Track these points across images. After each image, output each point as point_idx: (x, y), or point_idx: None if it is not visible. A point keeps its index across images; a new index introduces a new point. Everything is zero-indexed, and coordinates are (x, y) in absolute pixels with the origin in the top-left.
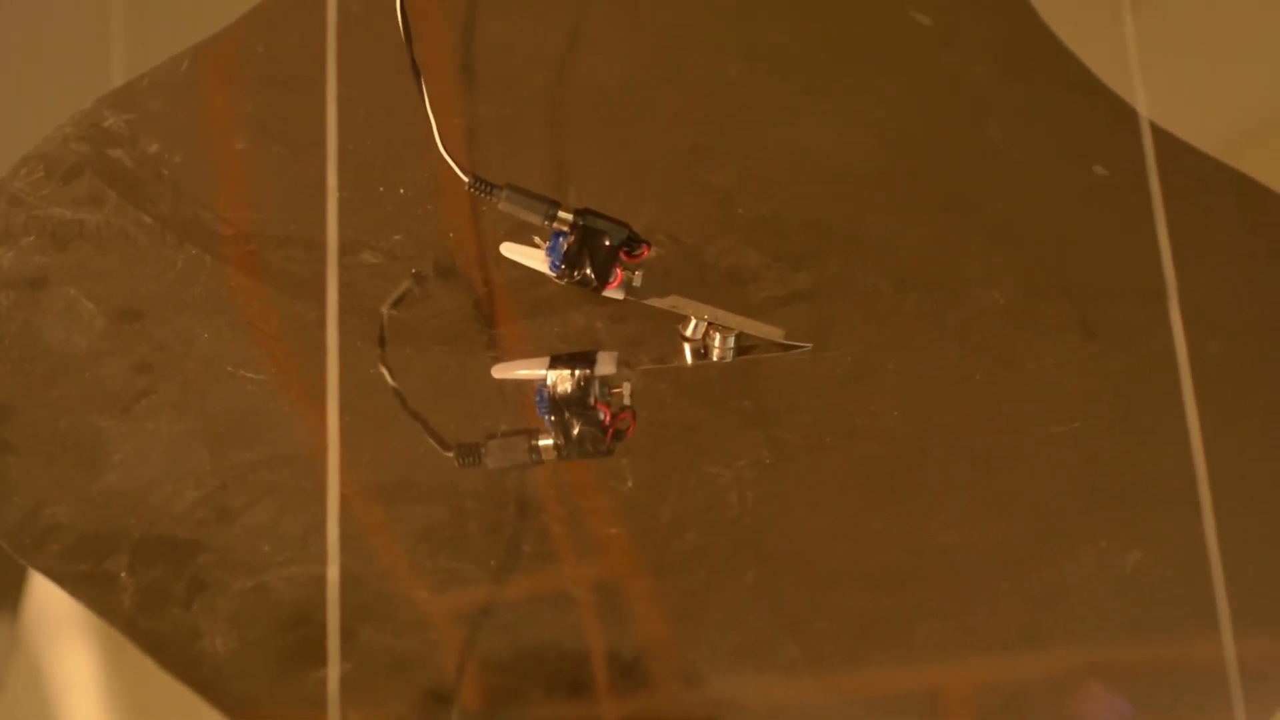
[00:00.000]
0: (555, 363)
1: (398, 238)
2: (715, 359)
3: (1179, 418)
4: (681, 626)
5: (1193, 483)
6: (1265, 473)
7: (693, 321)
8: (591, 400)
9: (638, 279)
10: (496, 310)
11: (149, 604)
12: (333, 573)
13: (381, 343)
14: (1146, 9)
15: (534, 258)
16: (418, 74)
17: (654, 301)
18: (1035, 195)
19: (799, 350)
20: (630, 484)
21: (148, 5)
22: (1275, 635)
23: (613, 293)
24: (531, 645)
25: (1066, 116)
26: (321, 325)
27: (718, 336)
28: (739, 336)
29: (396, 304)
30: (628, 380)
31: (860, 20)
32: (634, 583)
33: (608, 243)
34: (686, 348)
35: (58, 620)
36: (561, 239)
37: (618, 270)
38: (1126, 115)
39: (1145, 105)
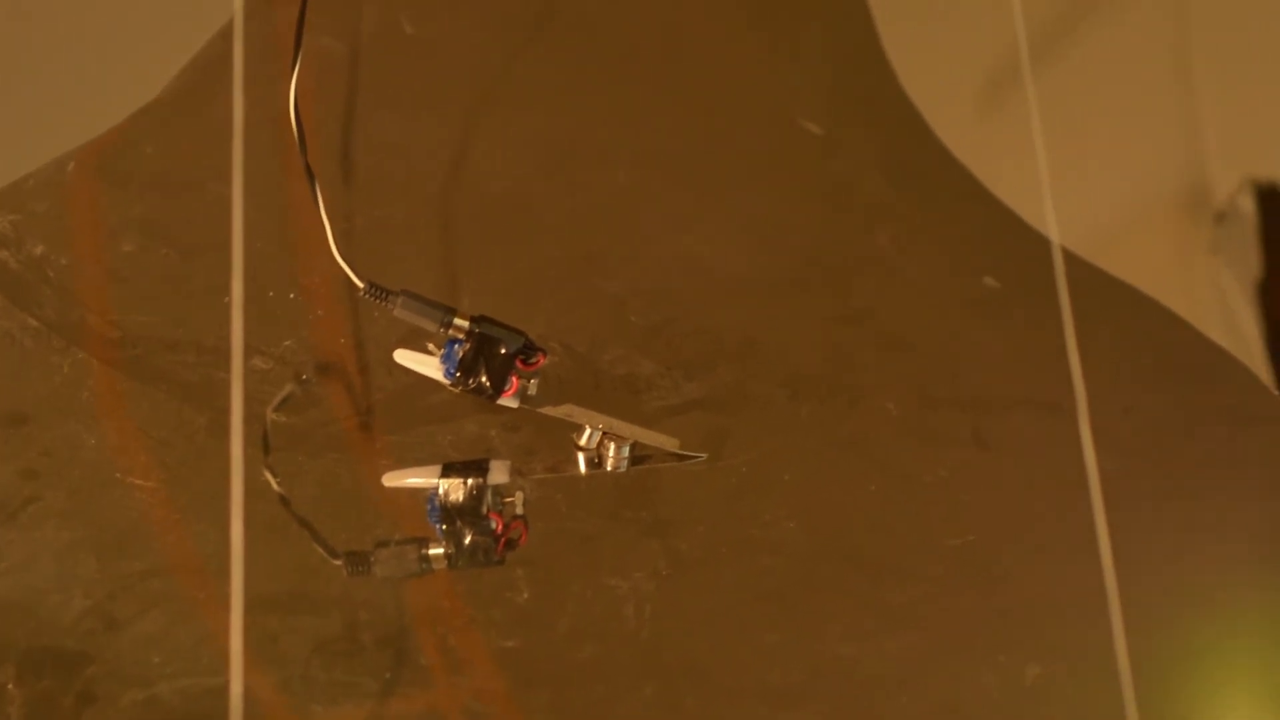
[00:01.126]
0: (447, 471)
1: (288, 343)
2: (610, 468)
3: (1076, 531)
4: None
5: (1092, 596)
6: (1165, 587)
7: (587, 430)
8: (484, 509)
9: (533, 387)
10: (389, 418)
11: (37, 716)
12: (236, 688)
13: (266, 448)
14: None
15: (428, 365)
16: (312, 178)
17: (549, 410)
18: (927, 306)
19: (694, 460)
20: (526, 595)
21: (30, 104)
22: None
23: (508, 401)
24: None
25: (957, 228)
26: (211, 431)
27: (612, 446)
28: (634, 446)
29: (279, 407)
30: (521, 489)
31: (750, 128)
32: (529, 695)
33: (504, 350)
34: (581, 457)
35: None
36: (457, 346)
37: (513, 378)
38: (1015, 227)
39: (1057, 232)
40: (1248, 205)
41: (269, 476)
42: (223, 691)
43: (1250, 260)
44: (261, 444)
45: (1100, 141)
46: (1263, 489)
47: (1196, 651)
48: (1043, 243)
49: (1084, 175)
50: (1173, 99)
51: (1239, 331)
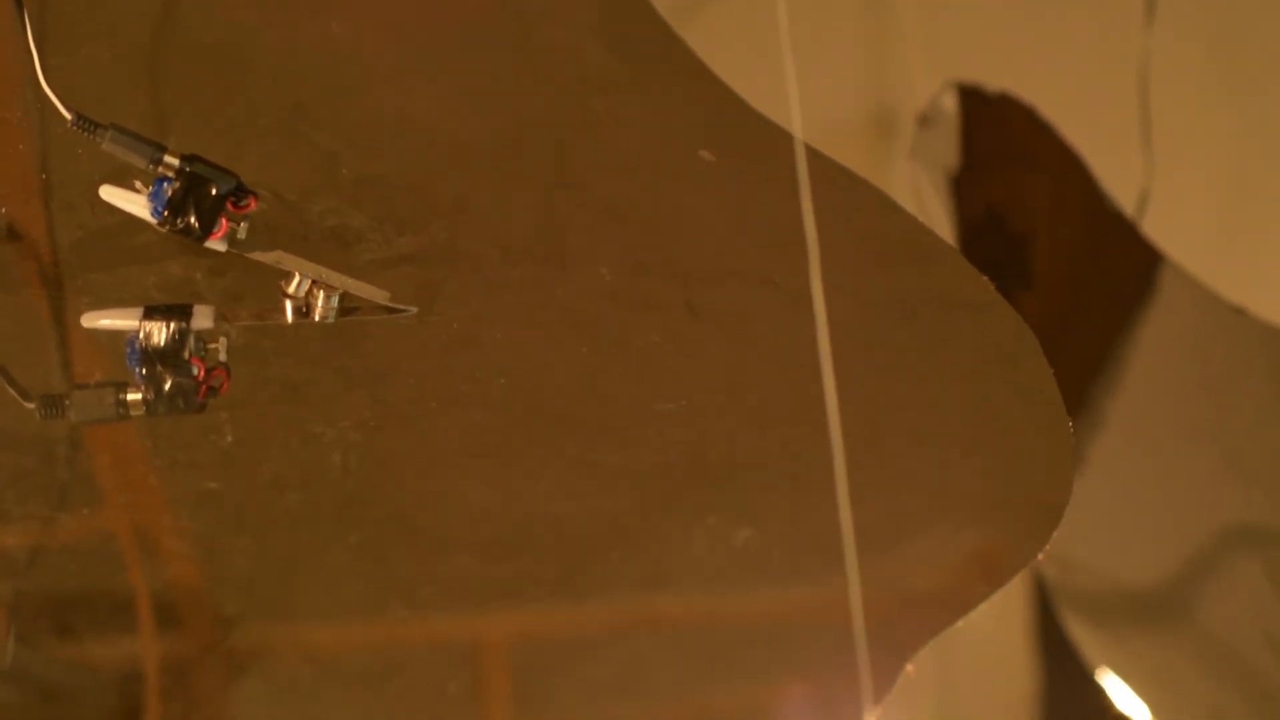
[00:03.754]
0: (149, 314)
1: None
2: (318, 318)
3: (785, 401)
4: (279, 580)
5: (796, 463)
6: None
7: (296, 278)
8: (186, 355)
9: (242, 231)
10: (91, 256)
11: None
12: None
13: None
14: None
15: (135, 203)
16: (19, 3)
17: (258, 255)
18: (643, 176)
19: (404, 313)
20: (230, 439)
21: None
22: (901, 607)
23: (215, 244)
24: (103, 585)
25: (672, 100)
26: None
27: (321, 295)
28: (343, 297)
29: None
30: (225, 335)
31: None
32: (231, 540)
33: (214, 191)
34: (288, 305)
35: None
36: (166, 185)
37: (222, 221)
38: (731, 102)
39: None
40: (950, 106)
41: None
42: None
43: (949, 161)
44: None
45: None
46: (974, 369)
47: (907, 523)
48: (761, 121)
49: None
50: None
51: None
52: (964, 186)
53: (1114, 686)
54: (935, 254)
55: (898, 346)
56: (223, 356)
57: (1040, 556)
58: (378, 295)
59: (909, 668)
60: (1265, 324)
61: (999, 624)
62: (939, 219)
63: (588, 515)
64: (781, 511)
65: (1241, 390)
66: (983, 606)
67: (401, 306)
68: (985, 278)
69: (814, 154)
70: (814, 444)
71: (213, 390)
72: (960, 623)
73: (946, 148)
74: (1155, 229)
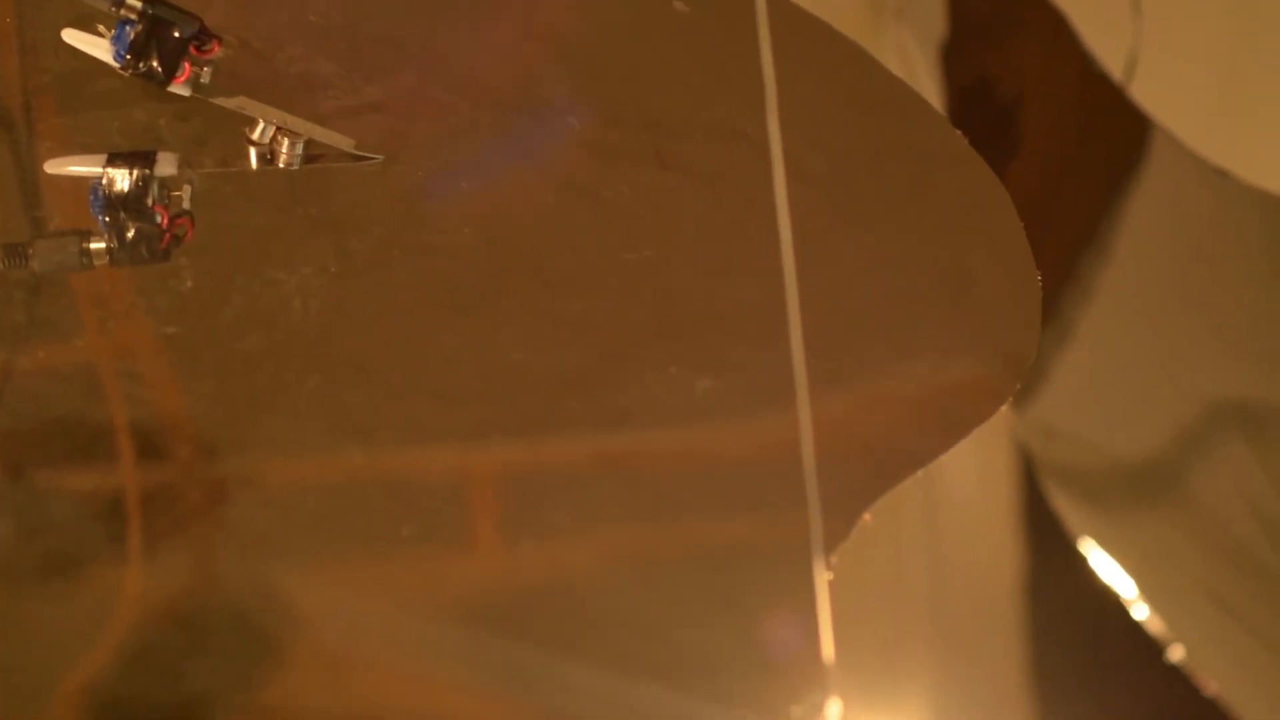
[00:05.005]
0: (113, 160)
1: None
2: (282, 165)
3: (754, 254)
4: (244, 423)
5: (767, 317)
6: (844, 313)
7: (260, 125)
8: (150, 202)
9: (206, 75)
10: (55, 101)
11: None
12: None
13: None
14: None
15: (98, 47)
16: None
17: (221, 101)
18: (615, 26)
19: (370, 161)
20: (190, 284)
21: None
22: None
23: (179, 88)
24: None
25: None
26: None
27: (285, 142)
28: (308, 144)
29: None
30: (189, 183)
31: None
32: (192, 383)
33: (177, 34)
34: (253, 151)
35: None
36: (129, 28)
37: (186, 64)
38: None
39: None
40: None
41: None
42: None
43: (937, 26)
44: None
45: None
46: (946, 227)
47: (872, 373)
48: None
49: None
50: None
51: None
52: (952, 52)
53: (1101, 561)
54: (910, 109)
55: (869, 200)
56: (187, 204)
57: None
58: (343, 142)
59: (866, 516)
60: (1253, 188)
61: (984, 497)
62: (927, 84)
63: (550, 363)
64: (742, 361)
65: (1229, 258)
66: (968, 479)
67: (367, 154)
68: (959, 132)
69: (792, 9)
70: (777, 295)
71: (176, 239)
72: (946, 497)
73: (934, 12)
74: (1144, 93)
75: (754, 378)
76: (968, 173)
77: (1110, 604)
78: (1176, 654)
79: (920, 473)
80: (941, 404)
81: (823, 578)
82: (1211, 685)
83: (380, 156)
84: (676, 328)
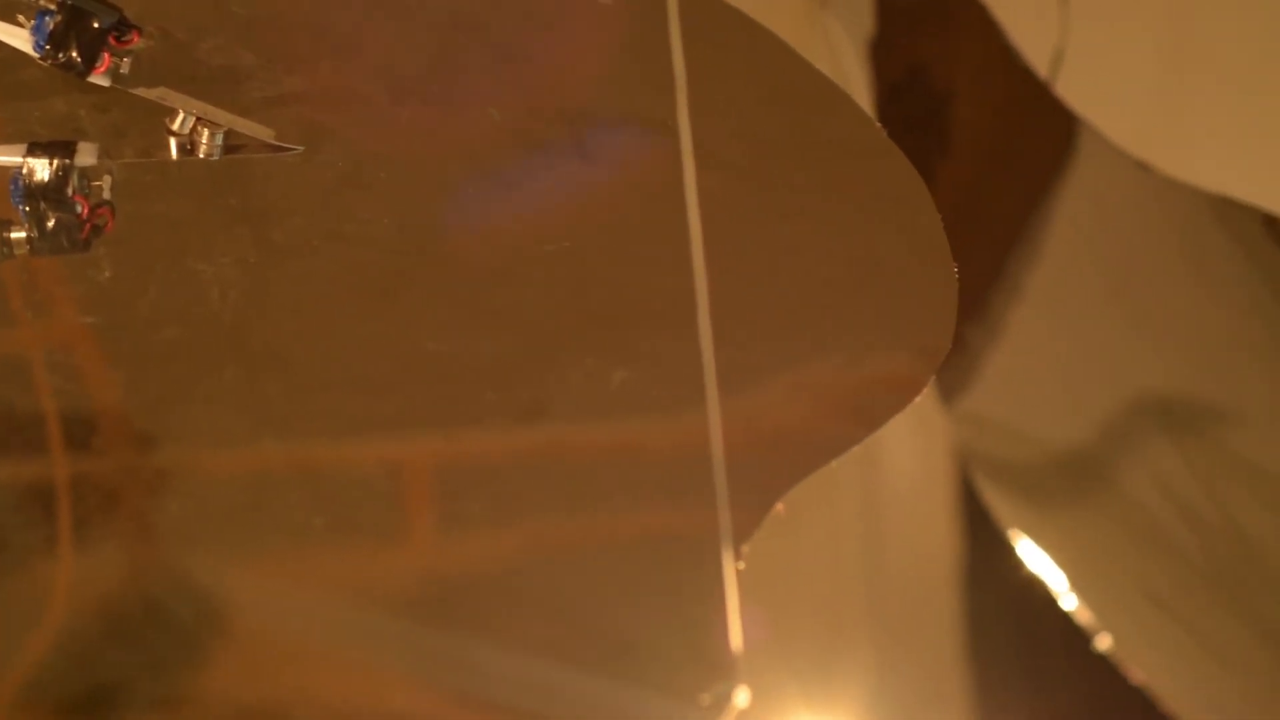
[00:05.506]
0: (33, 150)
1: None
2: (202, 155)
3: (672, 244)
4: (161, 414)
5: (681, 308)
6: (756, 302)
7: (180, 115)
8: (69, 192)
9: (125, 66)
10: None
11: None
12: None
13: None
14: None
15: (17, 36)
16: None
17: (141, 91)
18: (538, 17)
19: (290, 152)
20: (108, 274)
21: None
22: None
23: (99, 79)
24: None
25: None
26: None
27: (206, 132)
28: (228, 134)
29: None
30: (109, 173)
31: None
32: (108, 372)
33: (96, 25)
34: (173, 142)
35: None
36: (48, 18)
37: (105, 55)
38: None
39: None
40: None
41: None
42: None
43: (865, 20)
44: None
45: None
46: (863, 218)
47: (786, 363)
48: None
49: None
50: None
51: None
52: (881, 45)
53: (1031, 551)
54: (831, 102)
55: (786, 191)
56: (107, 194)
57: (952, 418)
58: (263, 133)
59: (779, 507)
60: (1174, 182)
61: (924, 488)
62: (855, 77)
63: (468, 354)
64: (660, 353)
65: (1151, 252)
66: (907, 468)
67: (287, 145)
68: (878, 124)
69: (714, 2)
70: (694, 286)
71: (97, 229)
72: (885, 488)
73: (863, 5)
74: (1070, 90)
75: (671, 369)
76: (886, 165)
77: (1042, 594)
78: (1104, 643)
79: (858, 465)
80: (856, 395)
81: (731, 567)
82: (1138, 674)
83: (300, 147)
84: (594, 319)
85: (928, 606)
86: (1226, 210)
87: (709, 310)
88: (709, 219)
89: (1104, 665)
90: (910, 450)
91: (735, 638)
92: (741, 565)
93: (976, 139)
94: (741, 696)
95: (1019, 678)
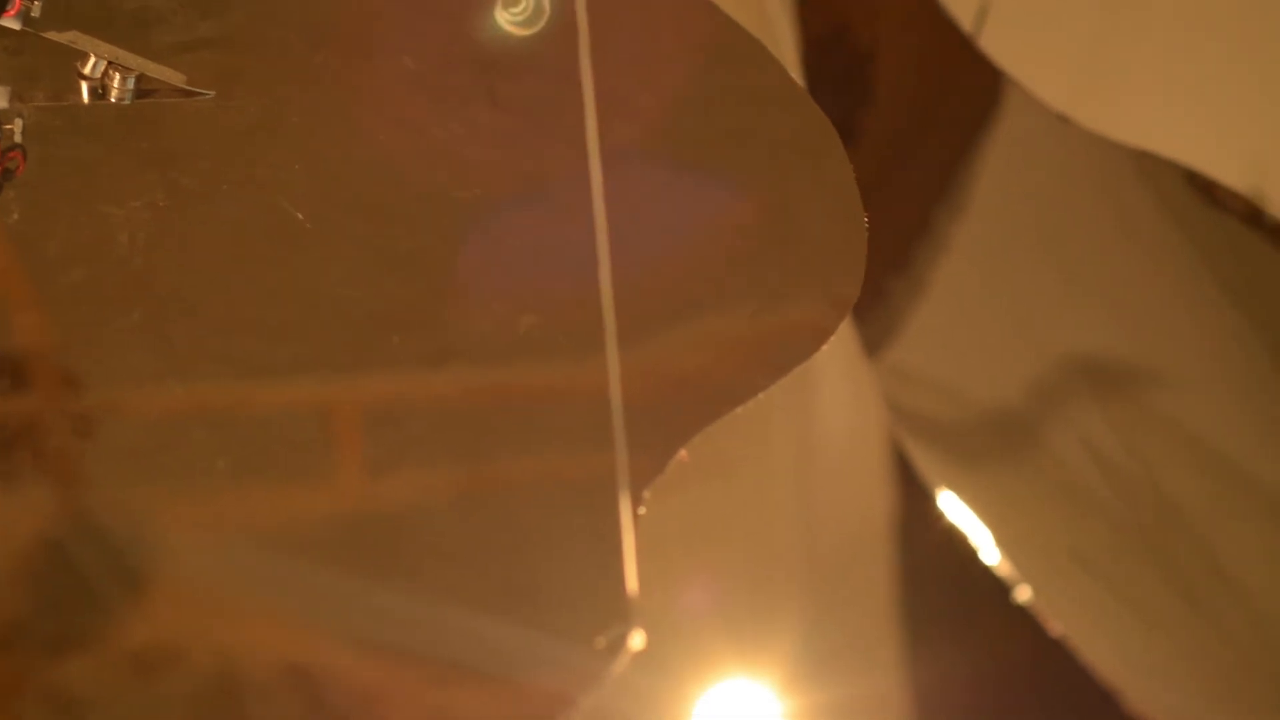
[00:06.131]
0: None
1: None
2: (114, 99)
3: (580, 192)
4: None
5: (590, 254)
6: (670, 251)
7: (92, 59)
8: None
9: (36, 10)
10: None
11: None
12: None
13: None
14: None
15: None
16: None
17: (53, 35)
18: None
19: (201, 97)
20: (16, 216)
21: None
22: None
23: (9, 22)
24: None
25: None
26: None
27: (117, 77)
28: (139, 79)
29: None
30: (20, 117)
31: None
32: (13, 316)
33: None
34: (84, 86)
35: None
36: None
37: None
38: None
39: None
40: None
41: None
42: None
43: None
44: None
45: None
46: (773, 168)
47: (691, 311)
48: None
49: None
50: None
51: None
52: (808, 2)
53: (955, 505)
54: (746, 53)
55: (698, 141)
56: (18, 138)
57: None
58: (174, 78)
59: (681, 453)
60: (1099, 138)
61: (858, 441)
62: (783, 32)
63: (375, 298)
64: (567, 299)
65: (1075, 207)
66: (839, 424)
67: (199, 90)
68: (791, 74)
69: None
70: (595, 235)
71: (8, 172)
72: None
73: None
74: (995, 44)
75: (577, 316)
76: (799, 115)
77: (968, 547)
78: (1023, 595)
79: (793, 417)
80: (762, 343)
81: (629, 512)
82: (1057, 626)
83: (212, 92)
84: (503, 264)
85: (858, 557)
86: (1150, 165)
87: (609, 258)
88: (614, 168)
89: (1027, 617)
90: (846, 404)
91: (631, 582)
92: (643, 511)
93: (902, 93)
94: (637, 639)
95: (947, 629)
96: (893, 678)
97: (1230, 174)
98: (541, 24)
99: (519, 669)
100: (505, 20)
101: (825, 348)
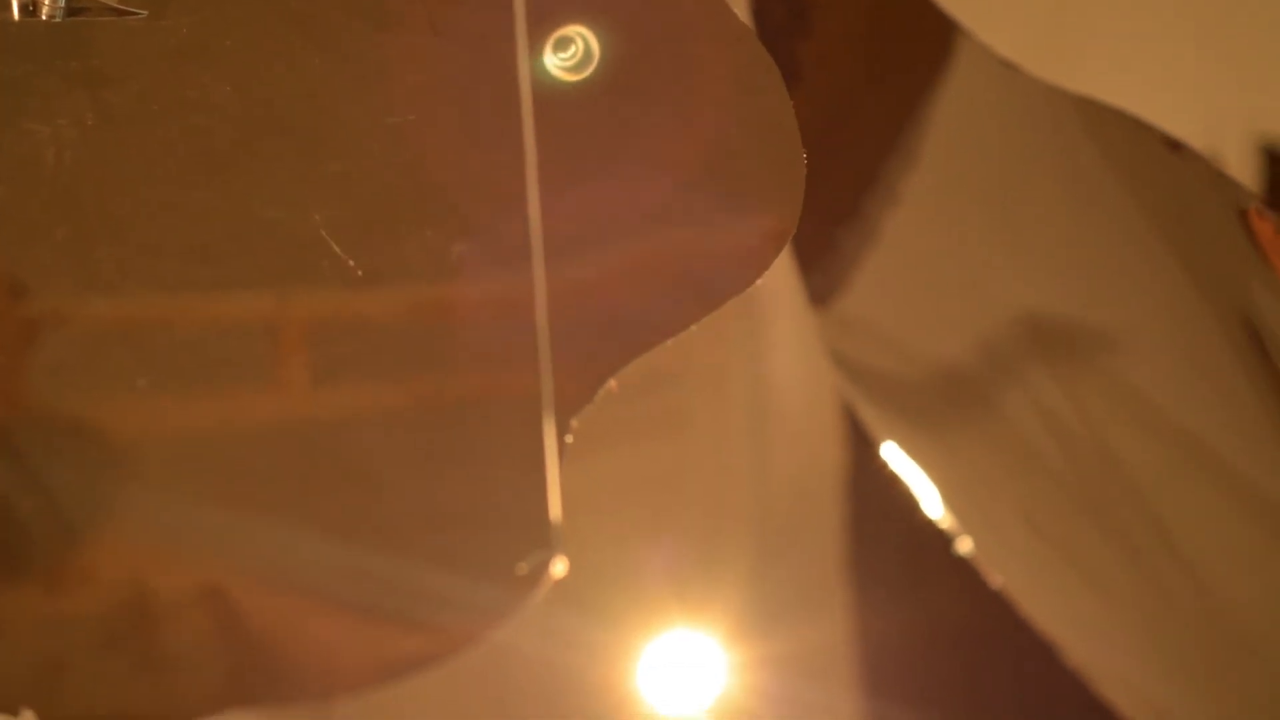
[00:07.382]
0: None
1: None
2: (45, 16)
3: (507, 122)
4: None
5: (515, 183)
6: (603, 182)
7: None
8: None
9: None
10: None
11: None
12: None
13: None
14: None
15: None
16: None
17: None
18: None
19: (134, 16)
20: None
21: None
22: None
23: None
24: None
25: None
26: None
27: None
28: None
29: None
30: None
31: None
32: None
33: None
34: (14, 3)
35: None
36: None
37: None
38: None
39: None
40: None
41: None
42: None
43: None
44: None
45: None
46: (711, 102)
47: (624, 241)
48: None
49: None
50: None
51: None
52: None
53: (898, 457)
54: None
55: (638, 74)
56: None
57: (823, 323)
58: None
59: (611, 383)
60: (1053, 89)
61: (807, 391)
62: None
63: (304, 222)
64: (498, 226)
65: (1026, 161)
66: (789, 374)
67: (131, 9)
68: (733, 11)
69: None
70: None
71: None
72: (769, 386)
73: None
74: None
75: (509, 243)
76: (739, 51)
77: (913, 503)
78: (965, 548)
79: (747, 363)
80: (695, 276)
81: (552, 437)
82: (997, 579)
83: (144, 12)
84: (435, 191)
85: (806, 508)
86: (1103, 118)
87: (538, 184)
88: (546, 97)
89: (969, 569)
90: (796, 354)
91: (555, 508)
92: (570, 438)
93: (852, 40)
94: (559, 566)
95: (892, 581)
96: (839, 629)
97: (1187, 132)
98: None
99: (436, 596)
100: None
101: (774, 297)
